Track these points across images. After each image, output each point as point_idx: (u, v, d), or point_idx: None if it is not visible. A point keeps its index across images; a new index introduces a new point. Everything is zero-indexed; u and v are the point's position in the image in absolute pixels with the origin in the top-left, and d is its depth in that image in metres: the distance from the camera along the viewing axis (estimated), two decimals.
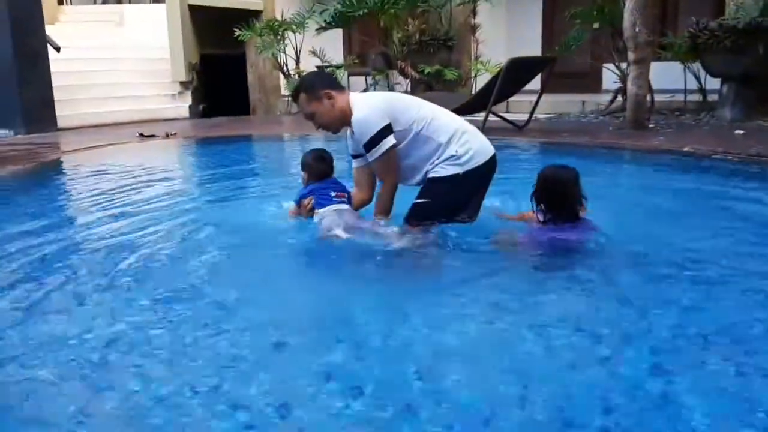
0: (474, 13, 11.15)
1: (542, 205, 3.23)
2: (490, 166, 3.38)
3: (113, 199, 4.71)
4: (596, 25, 9.94)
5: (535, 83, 8.92)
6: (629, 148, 6.91)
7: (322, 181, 3.57)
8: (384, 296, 2.79)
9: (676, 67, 9.30)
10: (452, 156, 3.27)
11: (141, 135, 8.74)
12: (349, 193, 3.58)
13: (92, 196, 4.94)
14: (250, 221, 3.93)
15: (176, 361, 2.15)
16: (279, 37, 11.41)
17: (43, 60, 9.53)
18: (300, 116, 3.59)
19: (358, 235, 3.34)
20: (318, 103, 3.31)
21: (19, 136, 9.05)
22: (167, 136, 8.84)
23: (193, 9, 12.09)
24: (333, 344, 2.27)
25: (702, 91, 9.44)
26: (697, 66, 9.11)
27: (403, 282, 2.97)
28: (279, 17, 11.80)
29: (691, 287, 2.77)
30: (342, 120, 3.34)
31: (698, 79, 9.34)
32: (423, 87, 10.64)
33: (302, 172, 3.68)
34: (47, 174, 6.41)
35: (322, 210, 3.48)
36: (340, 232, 3.34)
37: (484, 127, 7.53)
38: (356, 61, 12.23)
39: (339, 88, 3.38)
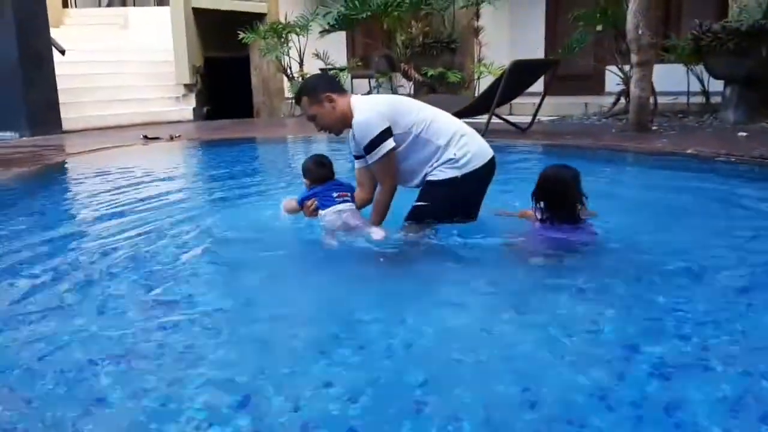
0: (477, 15, 11.17)
1: (542, 203, 3.26)
2: (489, 168, 3.41)
3: (117, 201, 4.72)
4: (599, 28, 9.93)
5: (538, 86, 8.92)
6: (632, 150, 6.90)
7: (324, 184, 3.64)
8: (383, 297, 2.80)
9: (679, 69, 9.28)
10: (450, 159, 3.30)
11: (145, 137, 8.77)
12: (352, 191, 3.64)
13: (96, 198, 4.95)
14: (253, 223, 3.95)
15: (177, 360, 2.16)
16: (283, 40, 11.44)
17: (47, 63, 9.57)
18: (303, 119, 3.62)
19: (357, 235, 3.39)
20: (319, 106, 3.36)
21: (23, 138, 9.09)
22: (171, 138, 8.86)
23: (198, 12, 12.12)
24: (333, 345, 2.28)
25: (705, 93, 9.42)
26: (700, 68, 9.09)
27: (402, 282, 2.98)
28: (283, 20, 11.84)
29: (694, 288, 2.77)
30: (343, 122, 3.38)
31: (701, 81, 9.32)
32: (426, 89, 10.64)
33: (304, 179, 3.75)
34: (52, 176, 6.43)
35: (324, 211, 3.55)
36: (339, 232, 3.42)
37: (487, 130, 7.57)
38: (359, 63, 12.25)
39: (340, 91, 3.42)
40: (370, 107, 3.31)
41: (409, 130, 3.30)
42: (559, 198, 3.21)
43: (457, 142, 3.32)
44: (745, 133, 7.43)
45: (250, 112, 13.18)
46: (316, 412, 1.83)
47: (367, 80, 12.03)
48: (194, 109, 12.17)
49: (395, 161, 3.33)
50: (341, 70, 11.44)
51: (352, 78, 12.08)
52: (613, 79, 10.01)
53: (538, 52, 11.62)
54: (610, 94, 10.35)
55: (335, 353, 2.21)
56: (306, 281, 3.10)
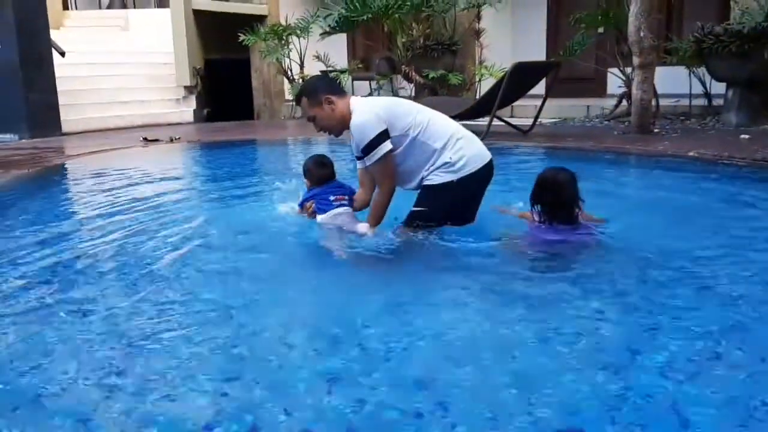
0: (478, 17, 11.15)
1: (539, 205, 3.31)
2: (486, 172, 3.42)
3: (117, 203, 4.71)
4: (601, 30, 9.93)
5: (540, 88, 8.90)
6: (634, 152, 6.89)
7: (324, 186, 3.68)
8: (381, 299, 2.77)
9: (681, 71, 9.26)
10: (446, 163, 3.32)
11: (145, 139, 8.74)
12: (351, 194, 3.68)
13: (96, 200, 4.94)
14: (252, 225, 3.96)
15: (179, 361, 2.14)
16: (283, 42, 11.42)
17: (48, 64, 9.55)
18: (304, 121, 3.65)
19: (347, 234, 3.46)
20: (319, 107, 3.39)
21: (23, 140, 9.07)
22: (171, 140, 8.84)
23: (198, 14, 12.11)
24: (334, 347, 2.26)
25: (707, 95, 9.41)
26: (702, 71, 9.08)
27: (400, 285, 2.96)
28: (283, 22, 11.81)
29: (697, 291, 2.75)
30: (342, 124, 3.40)
31: (703, 83, 9.31)
32: (427, 92, 10.63)
33: (304, 179, 3.80)
34: (51, 178, 6.41)
35: (321, 216, 3.61)
36: (335, 235, 3.49)
37: (488, 132, 7.55)
38: (360, 65, 12.23)
39: (340, 92, 3.45)
40: (367, 109, 3.33)
41: (406, 133, 3.32)
42: (556, 200, 3.26)
43: (453, 146, 3.34)
44: (747, 136, 7.40)
45: (250, 114, 13.16)
46: (315, 416, 1.81)
47: (367, 82, 12.03)
48: (194, 111, 12.15)
49: (393, 163, 3.35)
50: (342, 72, 11.42)
51: (352, 80, 12.06)
52: (614, 82, 9.99)
53: (539, 55, 11.61)
54: (611, 96, 10.34)
55: (334, 356, 2.18)
56: (303, 284, 3.09)
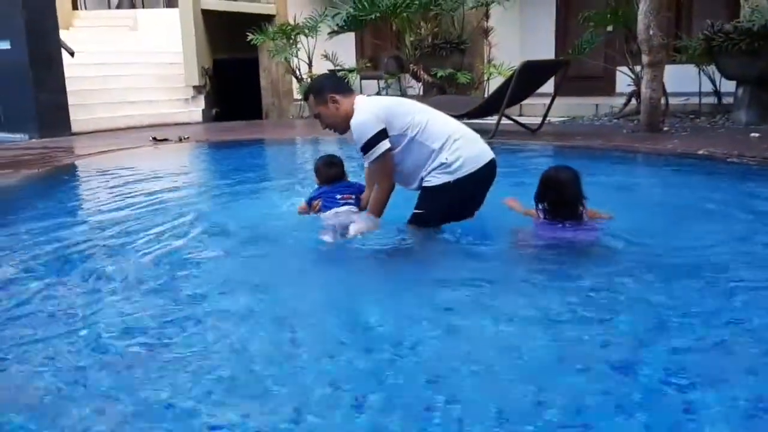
0: (487, 16, 11.13)
1: (543, 203, 3.35)
2: (486, 172, 3.42)
3: (126, 202, 4.74)
4: (610, 28, 9.88)
5: (549, 86, 8.88)
6: (643, 151, 6.86)
7: (333, 185, 3.76)
8: (386, 299, 2.78)
9: (691, 69, 9.21)
10: (442, 164, 3.34)
11: (154, 139, 8.77)
12: (359, 193, 3.74)
13: (105, 199, 4.97)
14: (260, 222, 3.97)
15: (181, 362, 2.15)
16: (292, 41, 11.42)
17: (57, 64, 9.59)
18: (312, 120, 3.68)
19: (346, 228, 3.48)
20: (324, 106, 3.44)
21: (33, 140, 9.12)
22: (180, 140, 8.87)
23: (207, 14, 12.13)
24: (339, 347, 2.26)
25: (717, 93, 9.35)
26: (711, 69, 9.02)
27: (405, 283, 2.96)
28: (291, 21, 11.82)
29: (703, 288, 2.75)
30: (346, 122, 3.43)
31: (713, 81, 9.25)
32: (436, 90, 10.62)
33: (315, 178, 3.89)
34: (61, 178, 6.45)
35: (324, 214, 3.68)
36: (335, 233, 3.51)
37: (497, 131, 7.54)
38: (369, 64, 12.21)
39: (345, 91, 3.48)
40: (367, 109, 3.36)
41: (404, 133, 3.35)
42: (559, 198, 3.30)
43: (450, 147, 3.35)
44: (757, 134, 7.36)
45: (259, 113, 13.18)
46: (322, 417, 1.81)
47: (376, 81, 12.02)
48: (203, 111, 12.18)
49: (391, 162, 3.38)
50: (350, 71, 11.42)
51: (361, 79, 12.05)
52: (623, 80, 9.95)
53: (548, 53, 11.56)
54: (621, 95, 10.29)
55: (340, 357, 2.19)
56: (307, 282, 3.09)
